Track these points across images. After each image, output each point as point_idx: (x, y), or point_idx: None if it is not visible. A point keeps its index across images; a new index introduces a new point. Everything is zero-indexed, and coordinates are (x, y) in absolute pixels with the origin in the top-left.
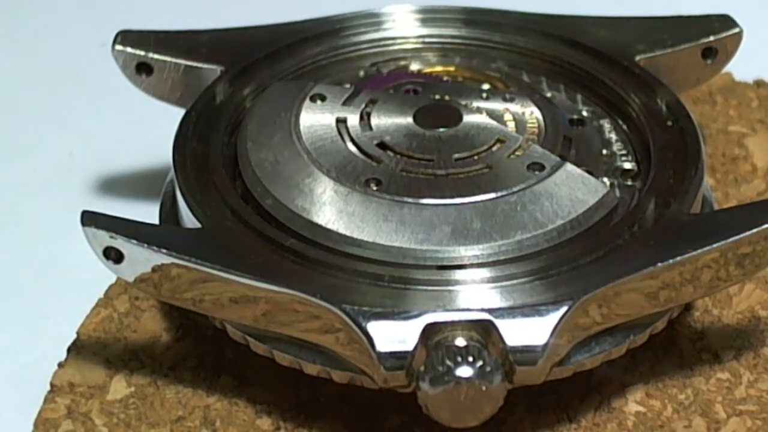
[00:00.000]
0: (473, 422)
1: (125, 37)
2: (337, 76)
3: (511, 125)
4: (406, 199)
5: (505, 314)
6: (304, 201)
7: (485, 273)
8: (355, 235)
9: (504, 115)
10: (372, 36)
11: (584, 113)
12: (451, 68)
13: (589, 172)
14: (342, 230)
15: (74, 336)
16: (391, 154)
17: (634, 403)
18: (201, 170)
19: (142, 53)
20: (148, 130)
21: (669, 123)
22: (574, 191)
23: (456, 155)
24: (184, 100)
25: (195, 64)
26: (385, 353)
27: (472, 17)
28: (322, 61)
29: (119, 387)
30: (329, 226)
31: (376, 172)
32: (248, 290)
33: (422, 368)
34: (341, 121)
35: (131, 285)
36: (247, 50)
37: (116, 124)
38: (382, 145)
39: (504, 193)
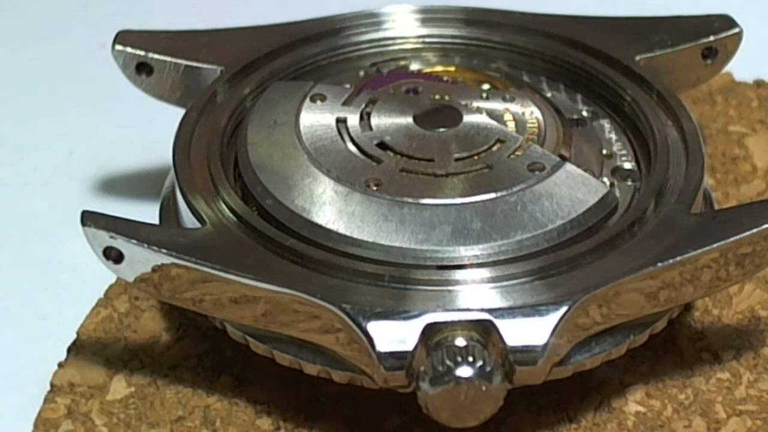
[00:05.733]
0: (473, 422)
1: (125, 37)
2: (337, 76)
3: (511, 125)
4: (406, 199)
5: (505, 314)
6: (304, 201)
7: (485, 273)
8: (355, 235)
9: (504, 115)
10: (372, 36)
11: (584, 113)
12: (451, 68)
13: (589, 172)
14: (342, 230)
15: (74, 336)
16: (391, 154)
17: (634, 403)
18: (201, 170)
19: (142, 53)
20: (148, 130)
21: (669, 123)
22: (574, 191)
23: (456, 155)
24: (184, 100)
25: (195, 64)
26: (385, 353)
27: (472, 17)
28: (322, 61)
29: (119, 387)
30: (329, 226)
31: (376, 172)
32: (248, 290)
33: (422, 368)
34: (341, 121)
35: (131, 285)
36: (247, 50)
37: (116, 124)
38: (382, 145)
39: (504, 193)
